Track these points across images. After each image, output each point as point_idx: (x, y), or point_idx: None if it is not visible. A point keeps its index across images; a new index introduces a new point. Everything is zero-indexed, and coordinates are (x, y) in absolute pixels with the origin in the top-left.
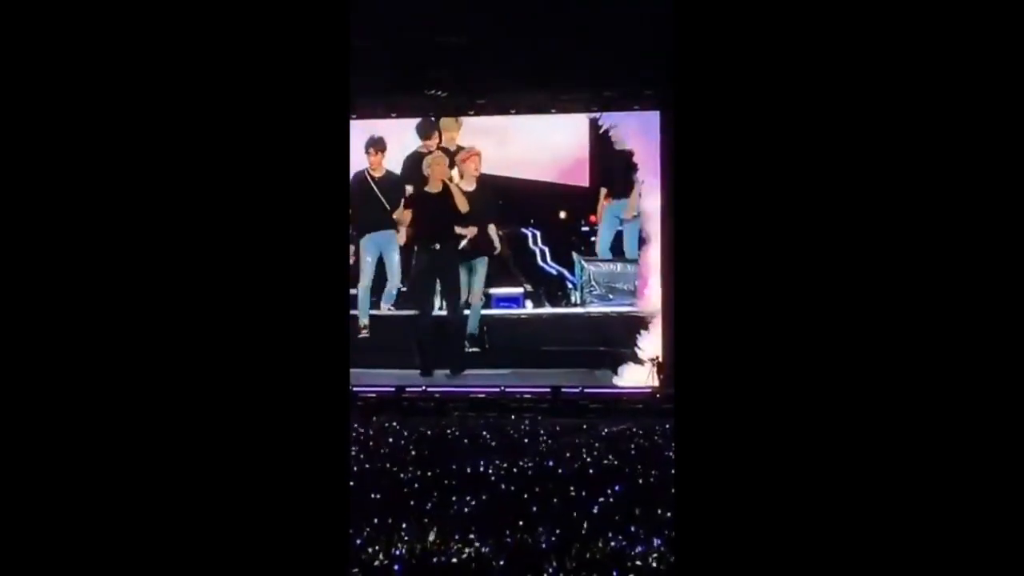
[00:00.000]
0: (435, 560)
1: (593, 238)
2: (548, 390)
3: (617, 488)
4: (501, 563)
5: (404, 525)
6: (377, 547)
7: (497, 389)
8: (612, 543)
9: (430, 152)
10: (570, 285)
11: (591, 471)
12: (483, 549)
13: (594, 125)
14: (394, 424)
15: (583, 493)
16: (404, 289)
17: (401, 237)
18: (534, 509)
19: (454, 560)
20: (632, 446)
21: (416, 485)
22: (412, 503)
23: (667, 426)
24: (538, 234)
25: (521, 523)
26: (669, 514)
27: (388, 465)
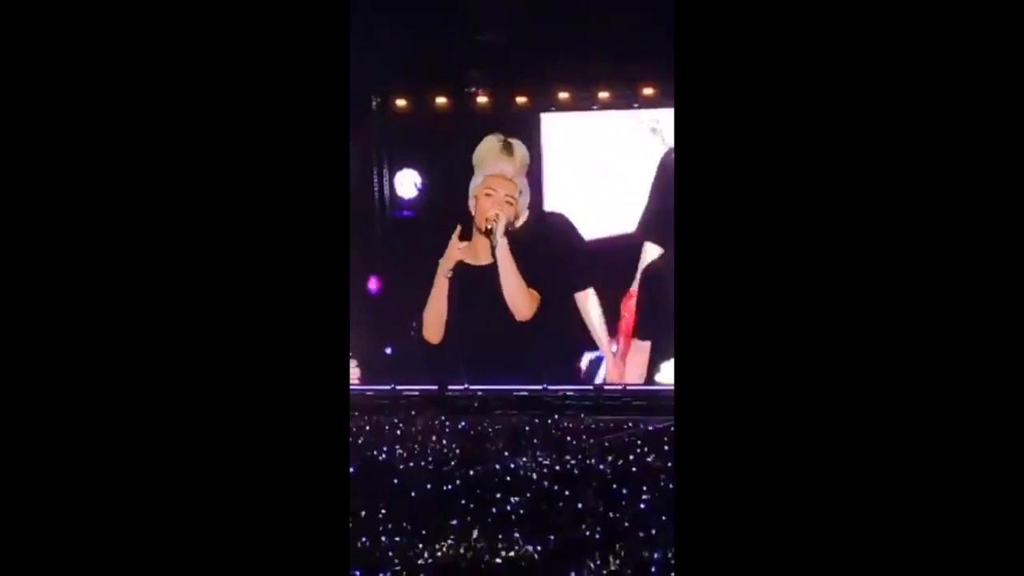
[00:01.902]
0: (478, 558)
1: None
2: (591, 388)
3: (661, 485)
4: (544, 561)
5: (445, 523)
6: (420, 545)
7: (540, 387)
8: (656, 541)
9: None
10: None
11: (634, 469)
12: (526, 547)
13: None
14: (437, 422)
15: (626, 491)
16: None
17: None
18: (578, 506)
19: (497, 560)
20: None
21: (459, 483)
22: (454, 501)
23: None
24: None
25: (564, 521)
26: None
27: (431, 463)
